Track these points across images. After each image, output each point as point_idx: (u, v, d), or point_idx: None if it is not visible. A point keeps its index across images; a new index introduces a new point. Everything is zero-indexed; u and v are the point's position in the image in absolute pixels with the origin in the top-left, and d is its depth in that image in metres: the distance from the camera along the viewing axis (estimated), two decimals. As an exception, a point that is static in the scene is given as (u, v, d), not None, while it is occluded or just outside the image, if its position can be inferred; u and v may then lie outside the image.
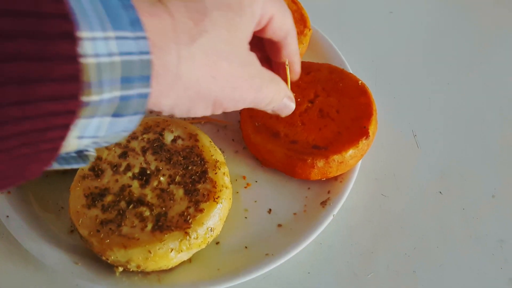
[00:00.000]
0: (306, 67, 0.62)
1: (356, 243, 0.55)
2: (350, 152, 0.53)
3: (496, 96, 0.70)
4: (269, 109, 0.42)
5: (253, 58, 0.36)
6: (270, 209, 0.55)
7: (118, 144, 0.53)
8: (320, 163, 0.52)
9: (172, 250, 0.46)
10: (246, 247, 0.52)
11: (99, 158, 0.52)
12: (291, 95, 0.44)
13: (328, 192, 0.55)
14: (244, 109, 0.58)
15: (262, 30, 0.38)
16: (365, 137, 0.54)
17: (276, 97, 0.40)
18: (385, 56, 0.75)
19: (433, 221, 0.57)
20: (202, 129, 0.60)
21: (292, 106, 0.44)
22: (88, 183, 0.50)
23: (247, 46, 0.35)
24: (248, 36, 0.34)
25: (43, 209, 0.54)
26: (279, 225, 0.54)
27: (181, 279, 0.48)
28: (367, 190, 0.59)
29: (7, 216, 0.51)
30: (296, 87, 0.59)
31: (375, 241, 0.55)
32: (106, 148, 0.53)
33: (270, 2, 0.36)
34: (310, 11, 0.69)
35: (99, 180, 0.50)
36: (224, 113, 0.64)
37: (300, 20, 0.67)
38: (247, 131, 0.57)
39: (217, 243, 0.52)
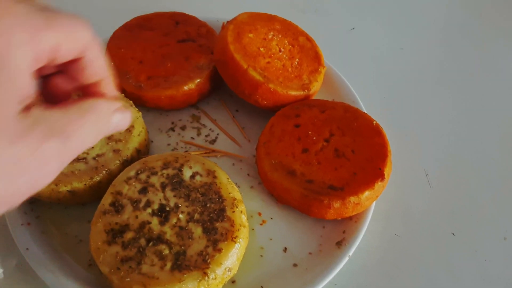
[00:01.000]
0: (321, 105, 0.63)
1: (370, 284, 0.55)
2: (366, 194, 0.54)
3: (509, 134, 0.71)
4: (105, 135, 0.34)
5: (35, 117, 0.27)
6: (285, 248, 0.56)
7: (138, 179, 0.54)
8: (337, 204, 0.53)
9: (189, 290, 0.47)
10: (262, 286, 0.52)
11: (119, 193, 0.53)
12: (117, 105, 0.35)
13: (343, 232, 0.56)
14: (260, 145, 0.60)
15: (53, 61, 0.30)
16: (380, 179, 0.54)
17: (102, 123, 0.32)
18: (396, 93, 0.76)
19: (446, 263, 0.57)
20: (217, 163, 0.61)
21: (126, 116, 0.36)
22: (109, 219, 0.51)
23: (17, 110, 0.26)
24: (16, 97, 0.26)
25: (62, 241, 0.55)
26: (295, 265, 0.54)
27: (198, 318, 0.49)
28: (380, 230, 0.59)
29: (27, 249, 0.52)
30: (311, 125, 0.61)
31: (390, 282, 0.56)
32: (126, 183, 0.54)
33: (46, 36, 0.27)
34: (324, 48, 0.71)
35: (119, 215, 0.51)
36: (240, 147, 0.65)
37: (315, 58, 0.69)
38: (264, 168, 0.58)
39: (233, 282, 0.53)
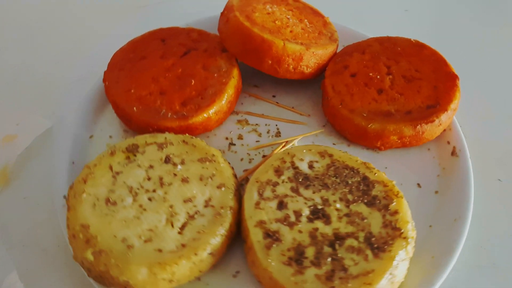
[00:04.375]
0: (356, 48, 0.63)
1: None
2: (457, 96, 0.56)
3: None
4: None
5: None
6: (418, 183, 0.55)
7: (266, 199, 0.47)
8: (444, 116, 0.54)
9: (403, 260, 0.44)
10: (430, 226, 0.51)
11: (262, 222, 0.46)
12: None
13: (448, 142, 0.57)
14: (336, 109, 0.57)
15: None
16: (457, 79, 0.57)
17: None
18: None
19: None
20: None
21: None
22: (279, 251, 0.44)
23: None
24: None
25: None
26: (436, 192, 0.54)
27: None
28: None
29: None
30: (364, 68, 0.60)
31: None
32: (259, 208, 0.47)
33: None
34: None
35: (283, 242, 0.44)
36: (306, 125, 0.61)
37: (314, 13, 0.67)
38: (358, 125, 0.55)
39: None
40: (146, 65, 0.60)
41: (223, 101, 0.57)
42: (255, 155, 0.58)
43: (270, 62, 0.58)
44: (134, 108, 0.55)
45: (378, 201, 0.47)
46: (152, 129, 0.55)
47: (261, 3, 0.64)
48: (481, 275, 0.50)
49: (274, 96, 0.65)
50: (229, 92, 0.58)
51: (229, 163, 0.53)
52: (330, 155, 0.51)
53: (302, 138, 0.60)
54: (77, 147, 0.57)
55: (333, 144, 0.59)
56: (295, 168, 0.50)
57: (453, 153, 0.56)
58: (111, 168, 0.49)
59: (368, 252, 0.44)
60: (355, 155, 0.57)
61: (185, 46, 0.62)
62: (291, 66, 0.58)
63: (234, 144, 0.59)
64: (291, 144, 0.59)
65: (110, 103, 0.60)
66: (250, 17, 0.59)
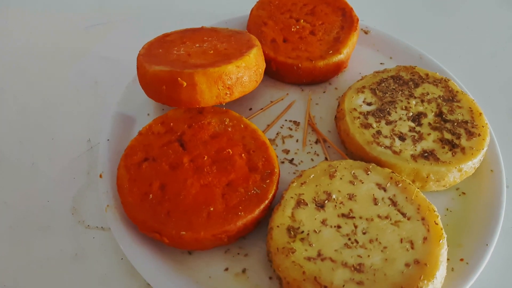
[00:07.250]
0: (259, 22, 0.67)
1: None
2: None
3: None
4: None
5: None
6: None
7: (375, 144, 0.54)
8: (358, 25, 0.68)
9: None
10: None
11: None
12: None
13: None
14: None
15: None
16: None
17: None
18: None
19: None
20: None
21: None
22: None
23: None
24: None
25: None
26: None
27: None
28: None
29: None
30: (279, 30, 0.66)
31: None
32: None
33: None
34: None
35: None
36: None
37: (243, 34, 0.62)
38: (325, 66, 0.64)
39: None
40: (176, 186, 0.48)
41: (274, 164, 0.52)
42: (313, 154, 0.60)
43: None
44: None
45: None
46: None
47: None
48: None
49: (250, 109, 0.64)
50: (272, 154, 0.53)
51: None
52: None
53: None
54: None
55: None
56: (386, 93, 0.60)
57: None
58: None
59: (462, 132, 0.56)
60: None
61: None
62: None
63: (291, 160, 0.59)
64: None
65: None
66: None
